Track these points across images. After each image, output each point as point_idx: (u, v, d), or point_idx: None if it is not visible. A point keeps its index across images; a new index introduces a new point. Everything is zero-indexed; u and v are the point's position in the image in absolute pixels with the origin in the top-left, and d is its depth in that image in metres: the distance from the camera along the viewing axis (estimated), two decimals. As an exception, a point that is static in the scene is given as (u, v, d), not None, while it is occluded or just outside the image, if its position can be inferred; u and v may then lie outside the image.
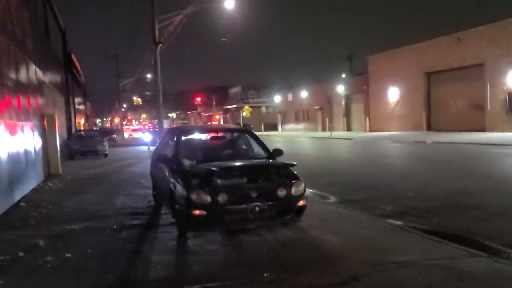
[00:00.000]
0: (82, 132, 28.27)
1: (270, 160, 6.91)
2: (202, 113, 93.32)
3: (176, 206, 5.95)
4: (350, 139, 32.85)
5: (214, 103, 78.55)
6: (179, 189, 5.90)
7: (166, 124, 29.09)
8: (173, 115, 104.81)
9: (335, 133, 39.36)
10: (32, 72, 12.33)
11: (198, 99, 76.97)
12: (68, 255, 5.40)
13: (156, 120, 25.98)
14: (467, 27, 30.25)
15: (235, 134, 8.04)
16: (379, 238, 5.83)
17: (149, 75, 42.00)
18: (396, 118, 37.68)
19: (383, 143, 27.00)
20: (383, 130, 37.92)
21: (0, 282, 4.54)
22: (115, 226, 6.88)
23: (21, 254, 5.52)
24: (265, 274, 4.52)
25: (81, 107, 43.41)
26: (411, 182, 11.04)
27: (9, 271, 4.92)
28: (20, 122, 10.02)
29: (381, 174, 13.05)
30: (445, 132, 30.20)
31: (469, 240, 5.79)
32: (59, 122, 17.22)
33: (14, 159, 9.10)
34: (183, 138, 7.43)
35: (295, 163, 6.35)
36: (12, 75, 9.55)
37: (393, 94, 37.92)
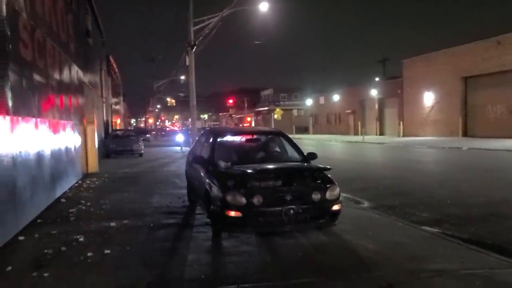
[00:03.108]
0: (119, 131, 29.01)
1: (305, 164, 6.93)
2: (233, 115, 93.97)
3: (211, 206, 6.03)
4: (383, 143, 32.36)
5: (246, 105, 78.97)
6: (215, 190, 5.99)
7: (198, 125, 29.51)
8: (205, 116, 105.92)
9: (367, 137, 38.80)
10: (74, 73, 12.75)
11: (230, 101, 77.55)
12: (108, 251, 5.58)
13: (187, 121, 26.26)
14: (507, 31, 29.25)
15: (270, 137, 8.09)
16: (415, 245, 5.76)
17: (182, 77, 42.70)
18: (430, 123, 36.84)
19: (417, 148, 26.47)
20: (417, 135, 37.13)
21: (45, 275, 4.74)
22: (152, 225, 7.06)
23: (64, 248, 5.74)
24: None
25: (117, 107, 44.48)
26: (447, 189, 10.79)
27: (53, 265, 5.13)
28: (62, 121, 10.38)
29: (415, 180, 12.81)
30: (481, 139, 29.31)
31: (509, 250, 5.65)
32: (97, 122, 17.71)
33: (56, 156, 9.45)
34: (218, 139, 7.54)
35: (329, 167, 6.35)
36: (56, 76, 9.92)
37: (428, 98, 37.09)
